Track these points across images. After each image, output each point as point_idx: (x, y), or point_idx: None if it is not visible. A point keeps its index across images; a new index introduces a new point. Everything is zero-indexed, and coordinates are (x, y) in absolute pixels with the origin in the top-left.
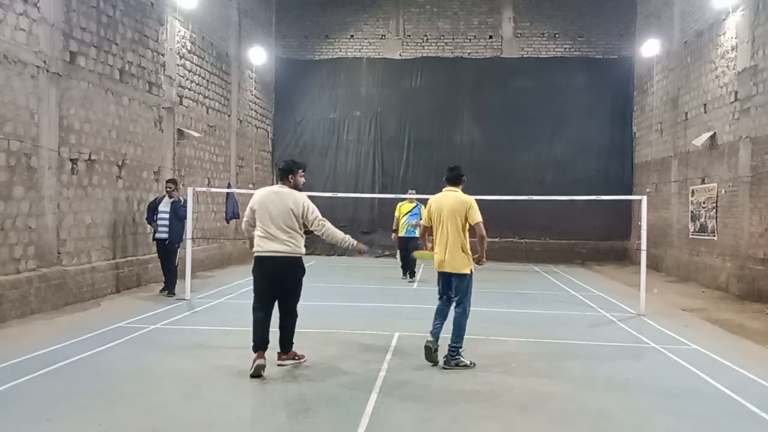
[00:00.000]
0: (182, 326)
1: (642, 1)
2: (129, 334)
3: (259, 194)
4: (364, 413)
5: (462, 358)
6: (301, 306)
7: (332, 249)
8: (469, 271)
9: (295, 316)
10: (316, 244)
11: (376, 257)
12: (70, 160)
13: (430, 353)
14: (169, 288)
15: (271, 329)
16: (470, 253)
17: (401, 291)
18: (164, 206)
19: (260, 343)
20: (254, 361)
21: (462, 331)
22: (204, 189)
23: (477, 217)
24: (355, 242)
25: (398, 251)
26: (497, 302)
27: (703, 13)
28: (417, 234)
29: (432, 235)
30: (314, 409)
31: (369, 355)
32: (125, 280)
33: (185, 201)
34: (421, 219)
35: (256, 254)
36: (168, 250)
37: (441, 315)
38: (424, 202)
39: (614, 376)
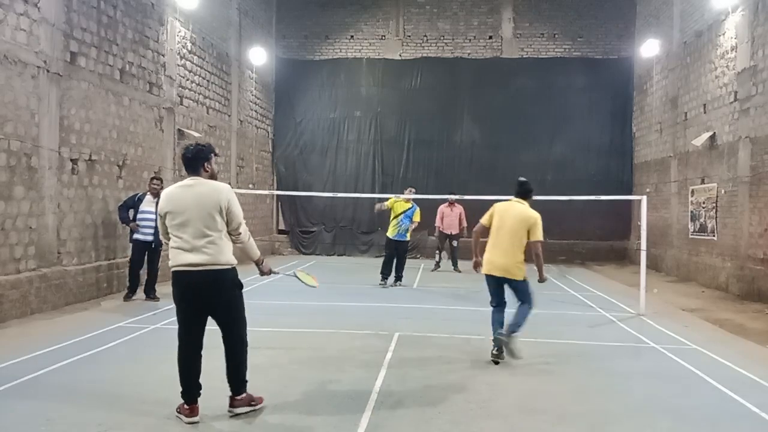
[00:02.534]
0: None
1: (642, 1)
2: (129, 334)
3: (168, 194)
4: (364, 413)
5: (516, 343)
6: (302, 306)
7: (332, 249)
8: (523, 278)
9: (241, 344)
10: (315, 244)
11: (376, 257)
12: (71, 160)
13: (501, 350)
14: (153, 292)
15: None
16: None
17: (401, 291)
18: (148, 206)
19: (190, 391)
20: (187, 417)
21: (523, 320)
22: None
23: (539, 235)
24: (267, 266)
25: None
26: None
27: (702, 14)
28: (408, 238)
29: (483, 237)
30: (314, 409)
31: (369, 355)
32: (125, 280)
33: None
34: (412, 222)
35: (172, 270)
36: (154, 252)
37: (499, 323)
38: (458, 204)
39: (614, 376)
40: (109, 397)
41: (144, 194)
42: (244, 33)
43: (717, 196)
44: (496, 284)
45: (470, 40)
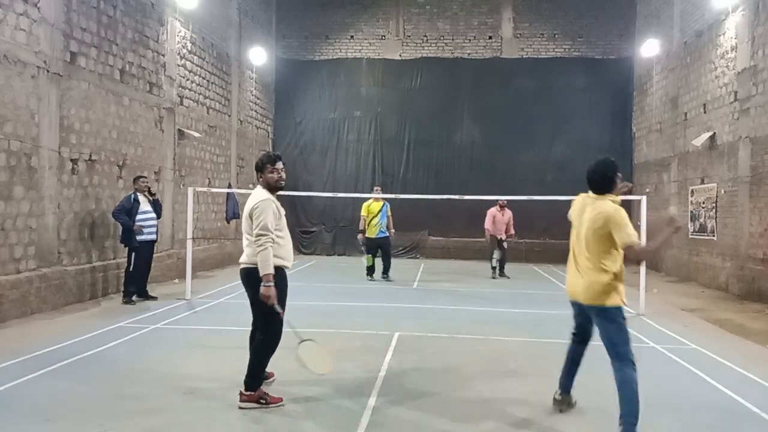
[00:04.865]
0: (182, 326)
1: (642, 1)
2: (129, 334)
3: None
4: (364, 413)
5: None
6: (301, 306)
7: (332, 249)
8: (616, 303)
9: (259, 345)
10: (315, 244)
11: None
12: (71, 160)
13: (559, 406)
14: (146, 292)
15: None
16: (618, 279)
17: (401, 291)
18: (147, 206)
19: None
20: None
21: (633, 399)
22: (204, 189)
23: (625, 237)
24: (270, 291)
25: (366, 254)
26: (497, 302)
27: (702, 14)
28: (388, 233)
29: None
30: (314, 409)
31: (369, 355)
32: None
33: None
34: (387, 218)
35: None
36: (151, 252)
37: (572, 360)
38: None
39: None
40: (108, 397)
41: (135, 195)
42: (244, 33)
43: (717, 196)
44: (578, 312)
45: (470, 40)
